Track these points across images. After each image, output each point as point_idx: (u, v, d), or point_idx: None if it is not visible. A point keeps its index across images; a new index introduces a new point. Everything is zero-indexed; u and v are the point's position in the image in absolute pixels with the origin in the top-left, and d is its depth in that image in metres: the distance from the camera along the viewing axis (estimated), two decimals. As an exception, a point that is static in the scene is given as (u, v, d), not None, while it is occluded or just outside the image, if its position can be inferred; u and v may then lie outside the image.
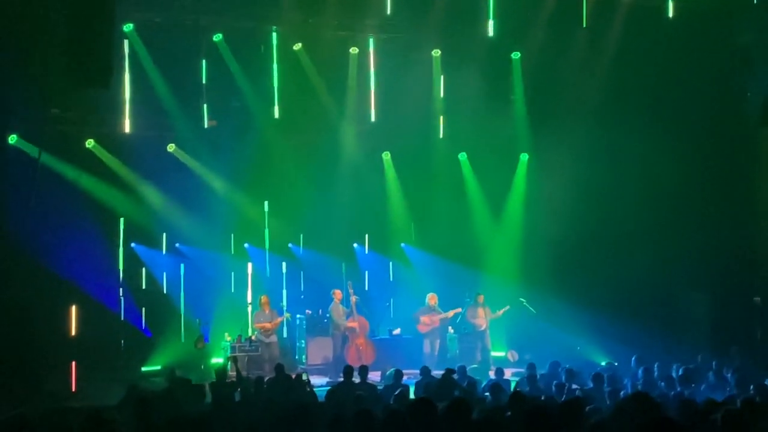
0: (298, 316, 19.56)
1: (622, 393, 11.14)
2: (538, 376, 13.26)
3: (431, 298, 18.90)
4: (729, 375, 13.16)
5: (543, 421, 6.23)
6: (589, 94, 19.36)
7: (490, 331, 18.99)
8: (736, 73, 19.17)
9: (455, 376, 13.63)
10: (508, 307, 19.10)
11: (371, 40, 19.83)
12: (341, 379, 13.19)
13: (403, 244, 21.45)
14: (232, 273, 20.26)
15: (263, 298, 18.28)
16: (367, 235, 21.55)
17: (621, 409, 7.44)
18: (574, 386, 12.07)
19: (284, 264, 20.91)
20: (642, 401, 7.50)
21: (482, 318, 18.85)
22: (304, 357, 19.04)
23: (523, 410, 8.06)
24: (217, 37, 18.69)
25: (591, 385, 12.24)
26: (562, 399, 10.45)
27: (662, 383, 12.65)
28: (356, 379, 13.07)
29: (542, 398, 10.69)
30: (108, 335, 18.43)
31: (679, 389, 11.96)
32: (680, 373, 13.05)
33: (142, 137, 18.73)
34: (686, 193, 19.08)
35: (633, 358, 14.74)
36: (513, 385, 13.23)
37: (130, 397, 10.94)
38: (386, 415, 7.25)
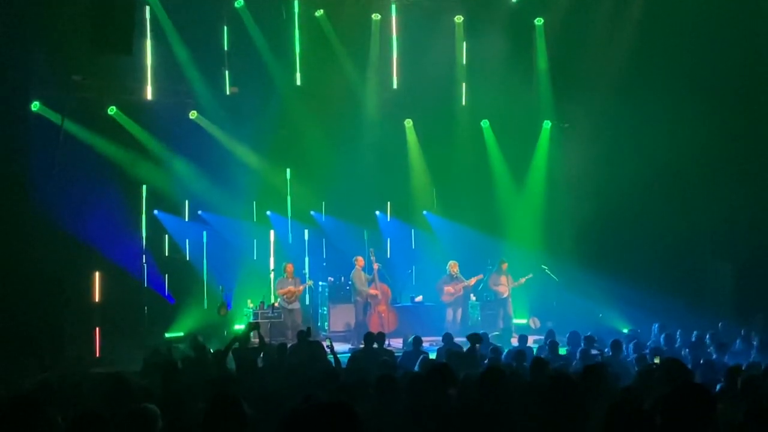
0: (320, 283, 19.62)
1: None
2: (560, 344, 13.23)
3: (452, 266, 18.91)
4: (754, 342, 13.11)
5: (566, 386, 6.19)
6: (613, 59, 19.19)
7: (512, 299, 19.01)
8: (764, 38, 18.91)
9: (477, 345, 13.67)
10: (530, 275, 19.10)
11: (393, 6, 19.74)
12: (363, 346, 13.23)
13: (425, 212, 21.43)
14: (255, 240, 20.29)
15: (288, 266, 18.29)
16: (389, 203, 21.53)
17: (650, 375, 7.41)
18: (594, 351, 12.03)
19: (306, 231, 20.92)
20: (673, 367, 7.47)
21: (504, 285, 18.88)
22: (326, 324, 19.12)
23: (546, 376, 8.06)
24: (239, 3, 18.65)
25: (610, 351, 12.19)
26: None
27: (686, 350, 12.62)
28: (374, 346, 13.09)
29: (560, 364, 10.69)
30: (131, 302, 18.48)
31: (715, 355, 11.94)
32: (697, 339, 13.04)
33: (164, 104, 18.71)
34: (711, 161, 18.92)
35: (655, 326, 14.70)
36: (535, 352, 13.22)
37: (153, 362, 11.01)
38: (409, 379, 7.27)
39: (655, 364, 9.72)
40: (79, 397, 8.13)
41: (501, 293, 18.94)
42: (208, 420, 5.35)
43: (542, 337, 15.69)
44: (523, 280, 19.07)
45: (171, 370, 9.16)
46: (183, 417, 6.46)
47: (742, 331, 14.09)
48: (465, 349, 12.03)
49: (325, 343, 12.44)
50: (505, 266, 19.02)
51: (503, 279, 18.97)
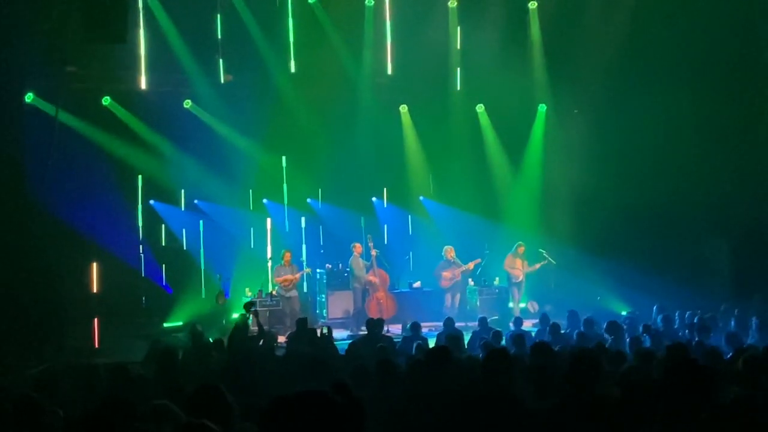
0: (318, 270, 19.60)
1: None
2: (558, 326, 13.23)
3: (448, 252, 18.85)
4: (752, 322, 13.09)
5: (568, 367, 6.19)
6: (607, 41, 19.12)
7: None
8: (757, 16, 18.90)
9: (477, 328, 13.71)
10: (545, 261, 18.97)
11: (387, -8, 19.68)
12: (362, 332, 13.26)
13: (421, 197, 21.42)
14: (252, 228, 20.32)
15: (287, 255, 18.24)
16: (385, 189, 21.50)
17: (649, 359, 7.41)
18: (597, 335, 12.06)
19: (303, 219, 20.93)
20: (677, 352, 7.49)
21: (519, 269, 18.84)
22: (324, 311, 19.09)
23: (548, 359, 8.07)
24: (232, -9, 18.62)
25: (606, 333, 12.21)
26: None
27: (686, 331, 12.62)
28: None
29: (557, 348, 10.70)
30: (129, 292, 18.54)
31: (697, 338, 11.93)
32: (695, 321, 13.02)
33: (158, 93, 18.69)
34: (706, 141, 18.89)
35: (654, 307, 14.70)
36: (533, 335, 13.24)
37: (154, 352, 11.00)
38: (410, 364, 7.28)
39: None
40: (82, 387, 8.12)
41: (516, 276, 18.88)
42: (190, 410, 5.34)
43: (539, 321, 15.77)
44: (537, 265, 18.99)
45: (169, 358, 9.13)
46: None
47: (736, 312, 14.10)
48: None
49: (323, 331, 12.46)
50: (521, 250, 18.94)
51: (519, 262, 18.92)
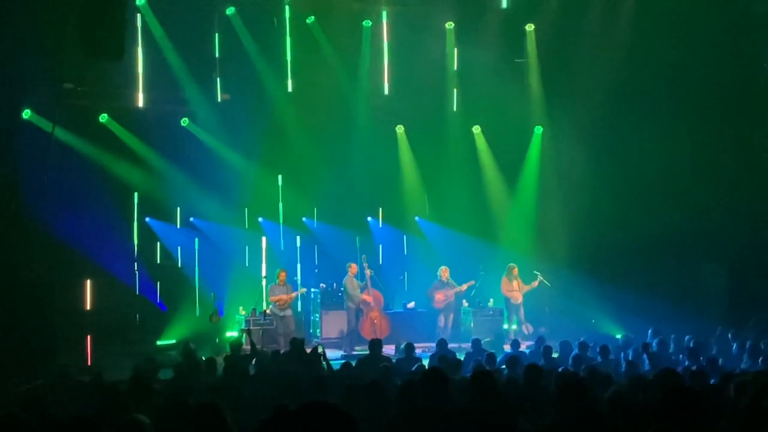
0: (312, 289, 19.56)
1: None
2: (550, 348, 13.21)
3: (443, 272, 18.82)
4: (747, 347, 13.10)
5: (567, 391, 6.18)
6: (604, 64, 19.19)
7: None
8: (752, 45, 18.99)
9: (470, 350, 13.68)
10: (540, 278, 18.87)
11: (384, 13, 19.77)
12: (355, 353, 13.20)
13: (417, 218, 21.39)
14: (247, 247, 20.27)
15: (282, 274, 18.18)
16: (381, 209, 21.46)
17: (641, 382, 7.40)
18: (590, 358, 12.05)
19: (298, 238, 20.89)
20: (668, 377, 7.48)
21: (517, 291, 18.74)
22: (318, 330, 19.05)
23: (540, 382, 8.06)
24: (230, 11, 18.69)
25: (600, 357, 12.22)
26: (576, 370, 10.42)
27: (681, 356, 12.60)
28: (366, 352, 13.07)
29: (559, 370, 10.67)
30: (123, 309, 18.45)
31: (687, 362, 11.92)
32: (692, 345, 13.01)
33: (155, 111, 18.74)
34: (703, 165, 18.95)
35: (649, 331, 14.67)
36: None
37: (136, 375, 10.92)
38: (402, 385, 7.25)
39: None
40: (68, 405, 8.08)
41: (514, 299, 18.76)
42: (190, 428, 5.31)
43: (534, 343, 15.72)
44: (535, 283, 18.85)
45: (140, 382, 8.94)
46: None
47: (732, 336, 14.10)
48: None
49: (318, 350, 12.41)
50: (515, 271, 18.86)
51: (515, 284, 18.83)
